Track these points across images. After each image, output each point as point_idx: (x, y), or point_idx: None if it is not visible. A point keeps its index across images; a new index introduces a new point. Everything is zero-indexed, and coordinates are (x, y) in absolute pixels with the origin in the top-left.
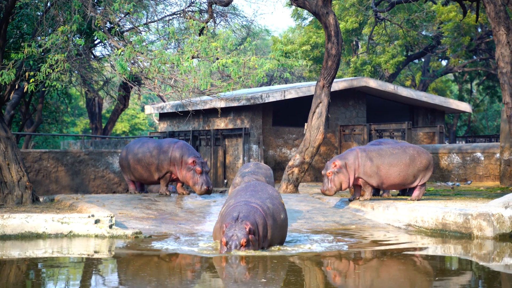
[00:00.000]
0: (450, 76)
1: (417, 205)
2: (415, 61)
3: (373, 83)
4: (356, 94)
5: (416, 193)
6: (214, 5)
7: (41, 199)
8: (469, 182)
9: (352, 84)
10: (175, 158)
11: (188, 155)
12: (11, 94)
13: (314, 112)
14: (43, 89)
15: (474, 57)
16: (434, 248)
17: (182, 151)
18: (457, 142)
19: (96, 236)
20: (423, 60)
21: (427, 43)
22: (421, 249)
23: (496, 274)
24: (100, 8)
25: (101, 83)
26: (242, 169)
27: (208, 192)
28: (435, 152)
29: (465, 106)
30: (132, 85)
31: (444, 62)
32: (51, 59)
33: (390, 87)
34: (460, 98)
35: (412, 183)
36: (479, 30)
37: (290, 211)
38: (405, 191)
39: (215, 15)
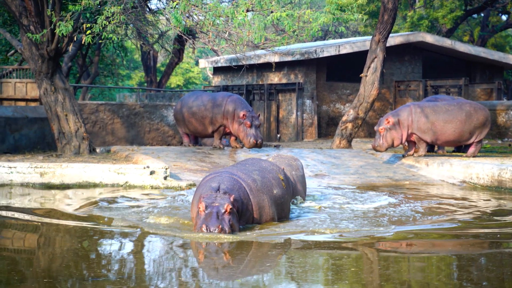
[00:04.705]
0: (510, 31)
1: (472, 161)
2: (474, 15)
3: (430, 38)
4: (412, 49)
5: (471, 150)
6: None
7: (97, 150)
8: None
9: (408, 39)
10: (228, 111)
11: (240, 109)
12: (69, 46)
13: (369, 67)
14: (100, 41)
15: None
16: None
17: (235, 105)
18: None
19: (151, 187)
20: (482, 15)
21: None
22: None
23: None
24: None
25: (156, 36)
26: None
27: (256, 145)
28: (493, 109)
29: None
30: (187, 39)
31: (504, 17)
32: (107, 11)
33: (447, 43)
34: None
35: (468, 140)
36: None
37: (343, 166)
38: (460, 148)
39: None
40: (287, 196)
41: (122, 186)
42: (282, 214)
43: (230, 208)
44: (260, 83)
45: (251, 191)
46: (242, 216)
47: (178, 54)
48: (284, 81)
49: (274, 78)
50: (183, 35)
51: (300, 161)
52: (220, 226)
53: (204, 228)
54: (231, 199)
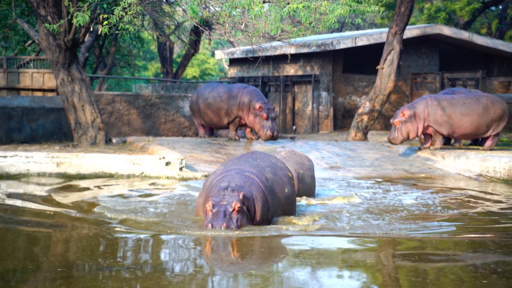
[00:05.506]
0: None
1: (489, 155)
2: (492, 8)
3: (447, 30)
4: (429, 41)
5: (488, 143)
6: None
7: (113, 141)
8: None
9: (425, 31)
10: (243, 103)
11: (256, 101)
12: (86, 37)
13: (386, 59)
14: (116, 32)
15: None
16: None
17: (251, 96)
18: None
19: (167, 177)
20: (500, 7)
21: None
22: None
23: None
24: None
25: (173, 27)
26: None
27: (272, 138)
28: (510, 102)
29: None
30: (203, 30)
31: None
32: (124, 2)
33: (464, 35)
34: None
35: (484, 133)
36: None
37: (359, 158)
38: (477, 141)
39: None
40: (293, 193)
41: (138, 176)
42: (292, 212)
43: (239, 207)
44: (276, 74)
45: (265, 188)
46: (256, 214)
47: (194, 45)
48: (300, 73)
49: (290, 70)
50: (199, 26)
51: (312, 162)
52: (226, 225)
53: (210, 227)
54: (240, 196)
